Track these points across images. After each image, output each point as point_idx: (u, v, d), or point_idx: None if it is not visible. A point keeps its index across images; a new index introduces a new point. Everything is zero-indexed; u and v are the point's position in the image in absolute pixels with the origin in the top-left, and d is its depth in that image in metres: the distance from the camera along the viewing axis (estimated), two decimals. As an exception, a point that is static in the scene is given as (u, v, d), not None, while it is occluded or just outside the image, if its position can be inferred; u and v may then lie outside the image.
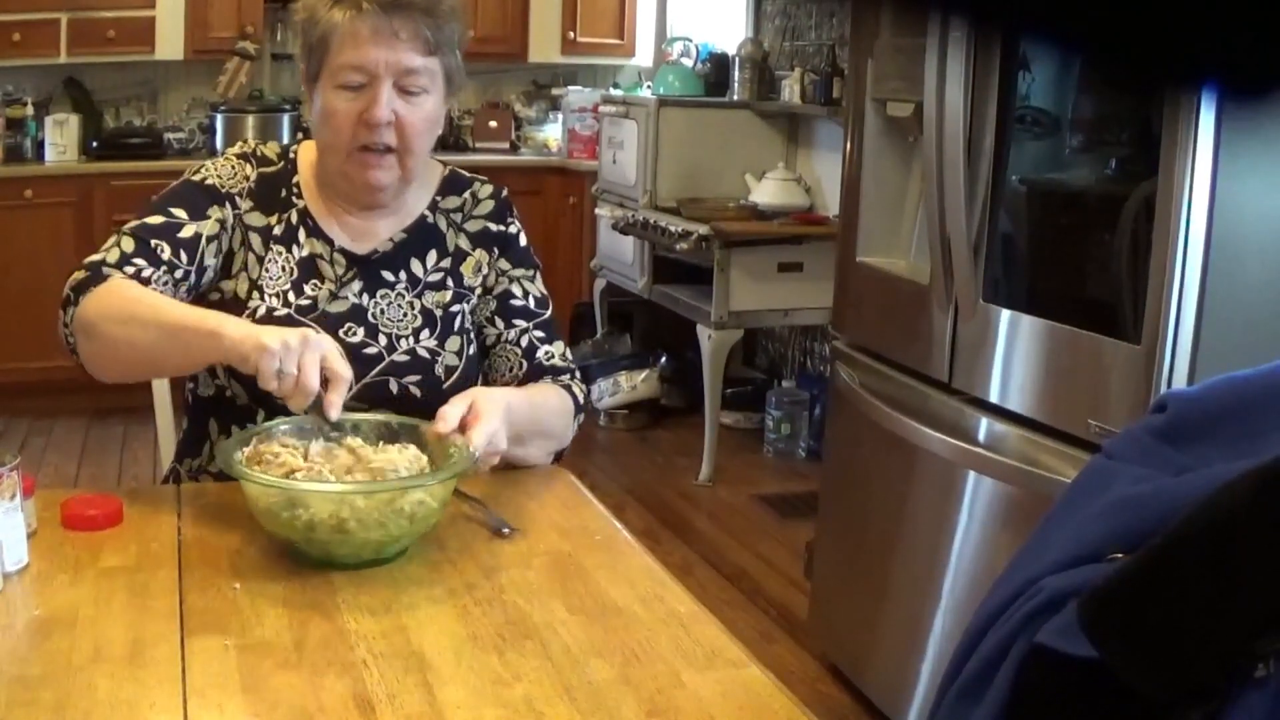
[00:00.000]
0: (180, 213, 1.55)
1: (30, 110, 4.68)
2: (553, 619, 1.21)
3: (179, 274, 1.52)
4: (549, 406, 1.62)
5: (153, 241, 1.51)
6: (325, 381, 1.33)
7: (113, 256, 1.49)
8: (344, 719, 1.01)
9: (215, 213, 1.57)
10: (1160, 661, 0.78)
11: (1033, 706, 0.87)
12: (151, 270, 1.49)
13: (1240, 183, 1.81)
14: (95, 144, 4.73)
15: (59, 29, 4.60)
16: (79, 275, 1.47)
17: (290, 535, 1.29)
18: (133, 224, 1.53)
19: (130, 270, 1.47)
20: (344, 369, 1.34)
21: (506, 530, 1.42)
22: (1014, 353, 2.22)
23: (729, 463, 4.25)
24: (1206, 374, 1.48)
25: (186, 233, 1.54)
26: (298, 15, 1.58)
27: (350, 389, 1.38)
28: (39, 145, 4.69)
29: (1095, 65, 2.22)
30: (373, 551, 1.30)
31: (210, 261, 1.56)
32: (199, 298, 1.60)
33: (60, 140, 4.69)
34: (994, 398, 2.26)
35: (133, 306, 1.42)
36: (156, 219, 1.54)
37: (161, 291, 1.49)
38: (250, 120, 4.85)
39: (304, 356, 1.30)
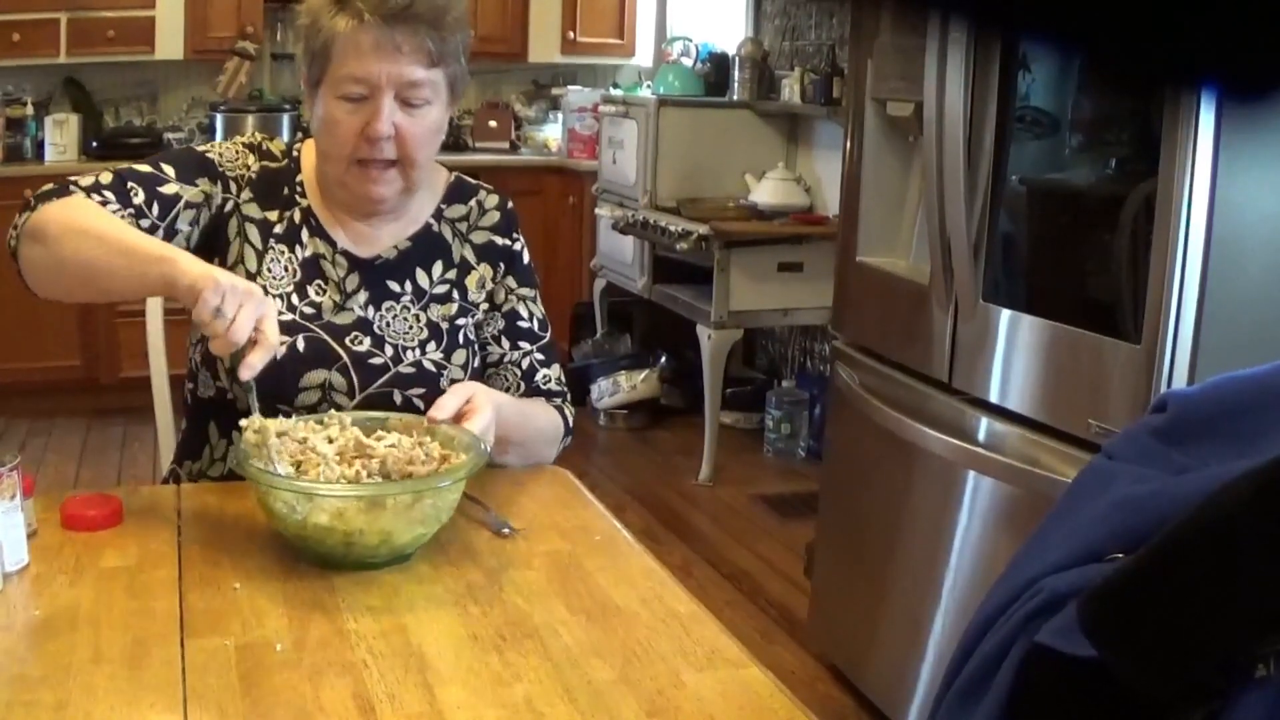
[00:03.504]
0: (169, 170, 1.54)
1: (30, 110, 4.69)
2: (553, 619, 1.21)
3: (145, 224, 1.49)
4: (537, 421, 1.64)
5: (130, 184, 1.50)
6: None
7: (85, 181, 1.48)
8: (344, 719, 1.01)
9: (204, 185, 1.56)
10: (1160, 661, 0.78)
11: (1033, 707, 0.87)
12: (118, 208, 1.47)
13: (1240, 183, 1.81)
14: (95, 144, 4.73)
15: (59, 29, 4.60)
16: (47, 186, 1.46)
17: (307, 540, 1.28)
18: (121, 165, 1.53)
19: (97, 199, 1.46)
20: (273, 335, 1.30)
21: (507, 530, 1.42)
22: (1014, 353, 2.22)
23: (729, 463, 4.25)
24: (1206, 374, 1.48)
25: (167, 189, 1.53)
26: (300, 20, 1.56)
27: (276, 360, 1.34)
28: (39, 145, 4.69)
29: (1095, 65, 2.22)
30: (390, 552, 1.30)
31: (183, 228, 1.54)
32: None
33: (60, 140, 4.69)
34: (994, 398, 2.26)
35: (90, 220, 1.40)
36: (144, 167, 1.53)
37: None
38: (250, 120, 4.85)
39: (243, 307, 1.28)
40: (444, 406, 1.42)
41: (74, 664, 1.07)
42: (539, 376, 1.69)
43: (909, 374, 2.53)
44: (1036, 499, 2.08)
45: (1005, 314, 2.24)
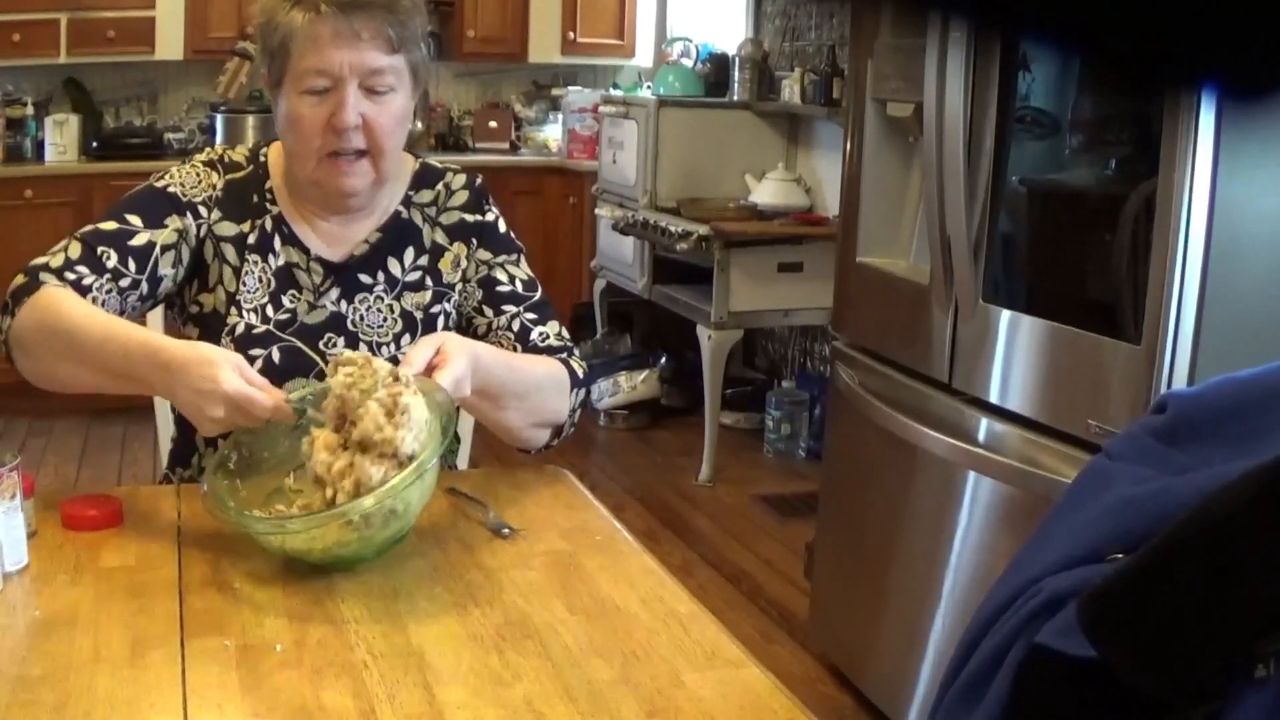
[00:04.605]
0: (136, 220, 1.52)
1: (30, 110, 4.69)
2: (553, 619, 1.21)
3: (125, 283, 1.48)
4: (531, 373, 1.56)
5: (100, 249, 1.48)
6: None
7: (56, 261, 1.45)
8: (344, 719, 1.01)
9: (174, 222, 1.54)
10: (1160, 661, 0.78)
11: (1033, 707, 0.87)
12: (93, 279, 1.45)
13: (1240, 183, 1.81)
14: (95, 144, 4.73)
15: (59, 29, 4.60)
16: (18, 280, 1.44)
17: (293, 557, 1.29)
18: (86, 228, 1.51)
19: (71, 277, 1.44)
20: (265, 403, 1.29)
21: (506, 530, 1.42)
22: (1014, 353, 2.22)
23: (729, 463, 4.25)
24: (1206, 374, 1.49)
25: (139, 240, 1.50)
26: (256, 19, 1.54)
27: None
28: (39, 145, 4.69)
29: (1095, 65, 2.22)
30: (378, 549, 1.30)
31: (166, 271, 1.53)
32: (174, 307, 1.60)
33: (60, 140, 4.69)
34: (994, 398, 2.26)
35: (68, 337, 1.38)
36: (110, 225, 1.51)
37: (104, 300, 1.46)
38: (250, 120, 4.85)
39: (240, 421, 1.30)
40: (414, 360, 1.36)
41: (74, 664, 1.08)
42: (534, 335, 1.63)
43: (909, 374, 2.53)
44: (1036, 499, 2.08)
45: (1005, 314, 2.24)
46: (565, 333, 1.67)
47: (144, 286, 1.51)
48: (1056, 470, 2.06)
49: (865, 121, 2.70)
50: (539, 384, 1.56)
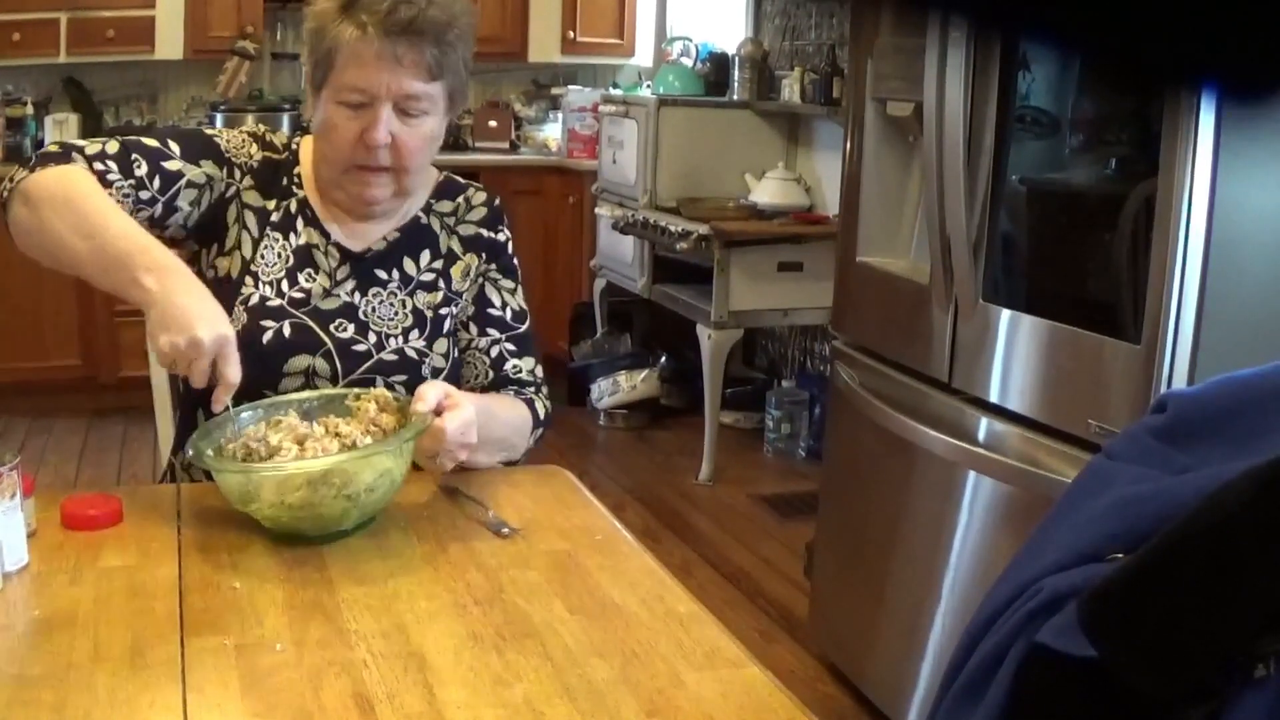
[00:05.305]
0: (175, 147, 1.57)
1: (30, 110, 4.69)
2: (553, 619, 1.21)
3: (144, 195, 1.52)
4: (503, 418, 1.63)
5: (134, 155, 1.52)
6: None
7: (92, 149, 1.50)
8: (344, 719, 1.01)
9: (209, 167, 1.59)
10: (1160, 661, 0.78)
11: (1032, 706, 0.87)
12: (118, 178, 1.49)
13: (1240, 183, 1.81)
14: (95, 144, 4.73)
15: (59, 29, 4.60)
16: (51, 148, 1.49)
17: (260, 514, 1.34)
18: (129, 136, 1.56)
19: (99, 168, 1.48)
20: (232, 374, 1.35)
21: (506, 530, 1.42)
22: (1014, 353, 2.22)
23: (729, 463, 4.25)
24: (1206, 374, 1.48)
25: (171, 165, 1.55)
26: (307, 24, 1.59)
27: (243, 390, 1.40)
28: (39, 145, 4.69)
29: (1095, 65, 2.22)
30: (336, 523, 1.34)
31: (182, 205, 1.56)
32: (174, 245, 1.61)
33: (60, 140, 4.69)
34: (994, 398, 2.26)
35: (81, 204, 1.42)
36: (151, 141, 1.56)
37: (120, 201, 1.49)
38: (250, 120, 4.85)
39: (193, 364, 1.33)
40: (426, 398, 1.42)
41: (74, 664, 1.08)
42: (508, 366, 1.69)
43: (909, 374, 2.53)
44: (1036, 499, 2.08)
45: (1005, 314, 2.24)
46: (540, 370, 1.73)
47: (159, 208, 1.55)
48: (1056, 470, 2.06)
49: (865, 121, 2.70)
50: (511, 430, 1.64)
